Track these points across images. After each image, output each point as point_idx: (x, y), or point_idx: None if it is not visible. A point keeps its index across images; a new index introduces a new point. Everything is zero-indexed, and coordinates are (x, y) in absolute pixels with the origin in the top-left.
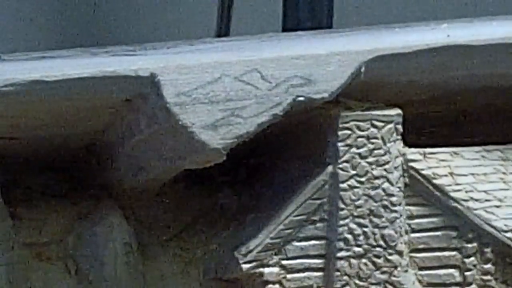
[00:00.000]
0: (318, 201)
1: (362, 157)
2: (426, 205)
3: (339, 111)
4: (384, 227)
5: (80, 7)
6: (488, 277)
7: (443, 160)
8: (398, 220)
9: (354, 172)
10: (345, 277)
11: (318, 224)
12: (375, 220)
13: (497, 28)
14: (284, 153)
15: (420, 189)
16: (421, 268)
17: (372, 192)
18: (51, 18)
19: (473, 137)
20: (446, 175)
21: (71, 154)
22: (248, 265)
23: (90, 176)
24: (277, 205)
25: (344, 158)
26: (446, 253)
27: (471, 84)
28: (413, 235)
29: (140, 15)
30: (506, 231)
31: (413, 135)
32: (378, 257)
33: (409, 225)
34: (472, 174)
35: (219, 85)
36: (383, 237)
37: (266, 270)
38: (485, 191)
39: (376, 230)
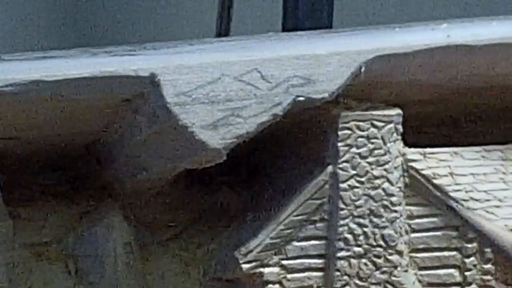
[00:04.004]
0: (318, 201)
1: (362, 157)
2: (426, 205)
3: (339, 111)
4: (384, 227)
5: (80, 7)
6: (488, 277)
7: (443, 160)
8: (398, 220)
9: (354, 172)
10: (345, 277)
11: (318, 224)
12: (375, 220)
13: (497, 28)
14: (284, 153)
15: (420, 189)
16: (421, 268)
17: (372, 192)
18: (51, 18)
19: (473, 137)
20: (446, 175)
21: (71, 154)
22: (248, 265)
23: (90, 176)
24: (277, 205)
25: (344, 158)
26: (446, 253)
27: (471, 84)
28: (413, 235)
29: (140, 15)
30: None
31: (413, 135)
32: (378, 257)
33: (409, 225)
34: (472, 174)
35: (219, 85)
36: (383, 237)
37: (266, 270)
38: (485, 191)
39: (376, 230)
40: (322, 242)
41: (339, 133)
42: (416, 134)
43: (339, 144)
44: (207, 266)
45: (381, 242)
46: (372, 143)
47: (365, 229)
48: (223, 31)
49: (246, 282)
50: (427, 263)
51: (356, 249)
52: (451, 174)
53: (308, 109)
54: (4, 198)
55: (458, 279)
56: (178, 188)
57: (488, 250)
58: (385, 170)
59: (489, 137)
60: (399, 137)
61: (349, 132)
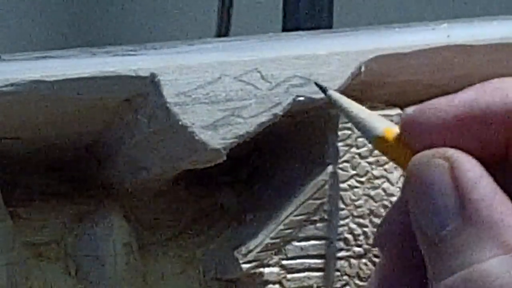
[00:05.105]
0: (318, 201)
1: (362, 157)
2: None
3: (339, 111)
4: None
5: (81, 7)
6: None
7: None
8: None
9: (354, 172)
10: (345, 277)
11: (318, 224)
12: (375, 220)
13: (497, 28)
14: (284, 153)
15: None
16: None
17: (372, 192)
18: (51, 18)
19: None
20: None
21: (71, 154)
22: (248, 265)
23: (90, 176)
24: (277, 205)
25: (344, 158)
26: None
27: (471, 84)
28: None
29: (140, 15)
30: None
31: None
32: (378, 257)
33: None
34: None
35: (219, 85)
36: None
37: (266, 270)
38: None
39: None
40: (322, 242)
41: (339, 133)
42: None
43: (339, 144)
44: (207, 266)
45: None
46: None
47: (365, 229)
48: (223, 31)
49: (246, 282)
50: None
51: (356, 249)
52: None
53: (308, 109)
54: (4, 198)
55: None
56: (178, 188)
57: None
58: (385, 170)
59: None
60: None
61: (349, 132)
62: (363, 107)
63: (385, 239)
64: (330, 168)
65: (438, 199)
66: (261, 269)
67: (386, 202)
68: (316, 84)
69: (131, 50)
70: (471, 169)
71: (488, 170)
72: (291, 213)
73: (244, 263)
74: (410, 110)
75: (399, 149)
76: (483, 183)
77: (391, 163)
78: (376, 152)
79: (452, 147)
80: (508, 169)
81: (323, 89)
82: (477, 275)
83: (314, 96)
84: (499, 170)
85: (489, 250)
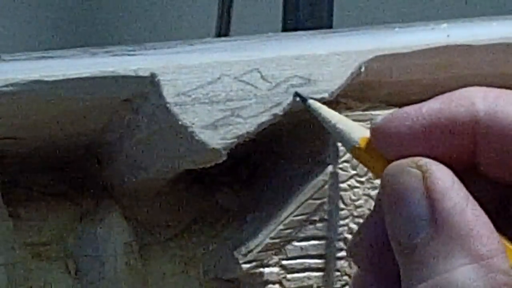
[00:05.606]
0: (318, 201)
1: None
2: None
3: (339, 111)
4: None
5: (80, 7)
6: None
7: None
8: None
9: (354, 172)
10: (345, 277)
11: (318, 224)
12: None
13: (497, 28)
14: (284, 153)
15: None
16: None
17: (372, 192)
18: (51, 18)
19: None
20: None
21: (71, 154)
22: (248, 265)
23: (90, 176)
24: (277, 205)
25: (344, 158)
26: None
27: (471, 84)
28: None
29: (140, 15)
30: None
31: None
32: None
33: None
34: None
35: (219, 85)
36: None
37: (266, 270)
38: None
39: None
40: (322, 242)
41: None
42: None
43: (339, 144)
44: (207, 266)
45: None
46: None
47: None
48: (223, 31)
49: (246, 282)
50: None
51: None
52: None
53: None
54: (4, 198)
55: None
56: (178, 188)
57: None
58: None
59: None
60: None
61: None
62: (343, 117)
63: (359, 249)
64: (330, 168)
65: (411, 208)
66: (261, 269)
67: None
68: (297, 93)
69: (131, 50)
70: (443, 178)
71: (459, 177)
72: (291, 213)
73: (244, 263)
74: (378, 119)
75: (374, 158)
76: (454, 192)
77: None
78: None
79: (422, 155)
80: (477, 176)
81: (303, 98)
82: (445, 284)
83: (314, 96)
84: (469, 177)
85: (458, 259)
